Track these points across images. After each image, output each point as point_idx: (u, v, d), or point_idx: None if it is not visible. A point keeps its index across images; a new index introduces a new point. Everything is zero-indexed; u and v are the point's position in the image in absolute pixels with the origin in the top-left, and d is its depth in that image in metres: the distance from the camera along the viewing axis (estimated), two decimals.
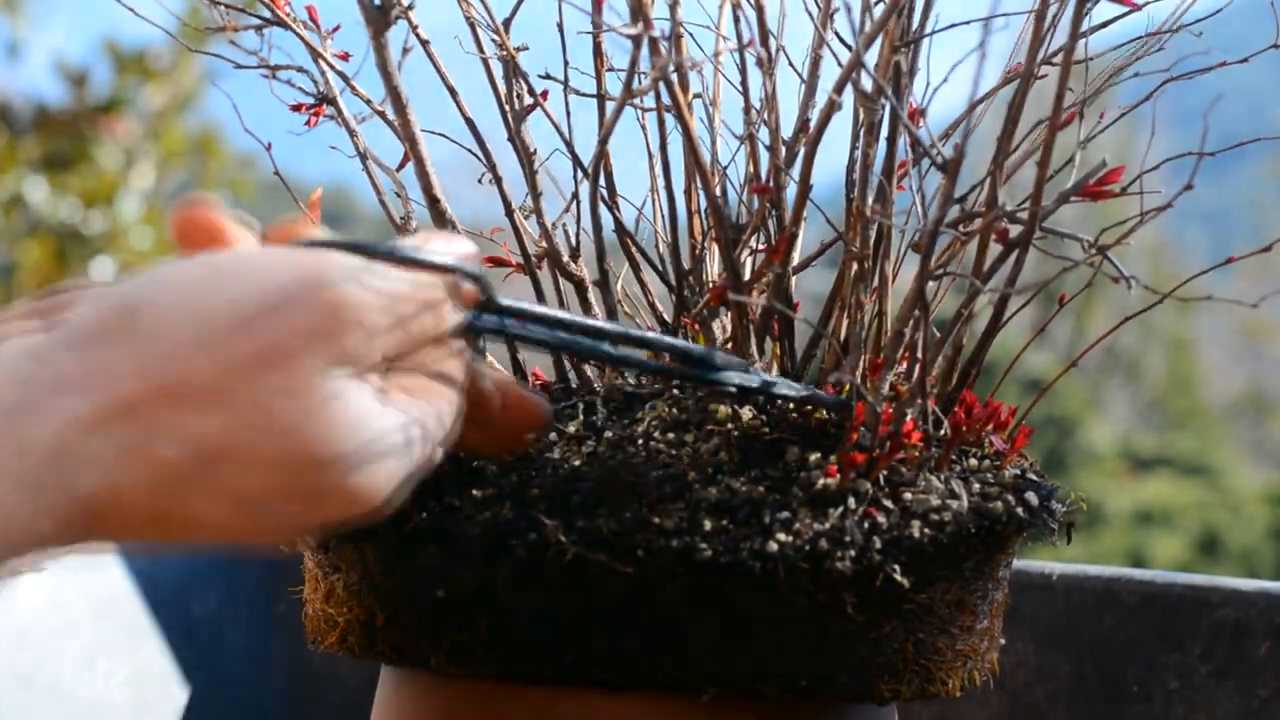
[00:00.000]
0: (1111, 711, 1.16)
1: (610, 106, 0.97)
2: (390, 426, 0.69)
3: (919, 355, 0.87)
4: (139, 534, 0.65)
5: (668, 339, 0.83)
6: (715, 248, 0.97)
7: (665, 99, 0.90)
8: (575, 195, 0.97)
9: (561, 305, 0.98)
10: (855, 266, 0.88)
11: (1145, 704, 1.15)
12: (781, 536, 0.78)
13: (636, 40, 0.79)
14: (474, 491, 0.82)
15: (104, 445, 0.63)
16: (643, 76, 0.82)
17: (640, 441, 0.85)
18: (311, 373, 0.66)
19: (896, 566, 0.79)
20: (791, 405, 0.87)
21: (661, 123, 0.93)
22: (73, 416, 0.62)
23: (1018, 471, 0.87)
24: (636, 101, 0.96)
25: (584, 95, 0.98)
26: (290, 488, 0.66)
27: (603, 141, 0.89)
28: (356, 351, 0.67)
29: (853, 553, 0.79)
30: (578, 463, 0.84)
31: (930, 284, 0.84)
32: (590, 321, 0.80)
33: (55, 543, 0.63)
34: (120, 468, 0.63)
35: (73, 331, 0.65)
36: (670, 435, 0.86)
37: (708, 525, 0.79)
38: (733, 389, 0.83)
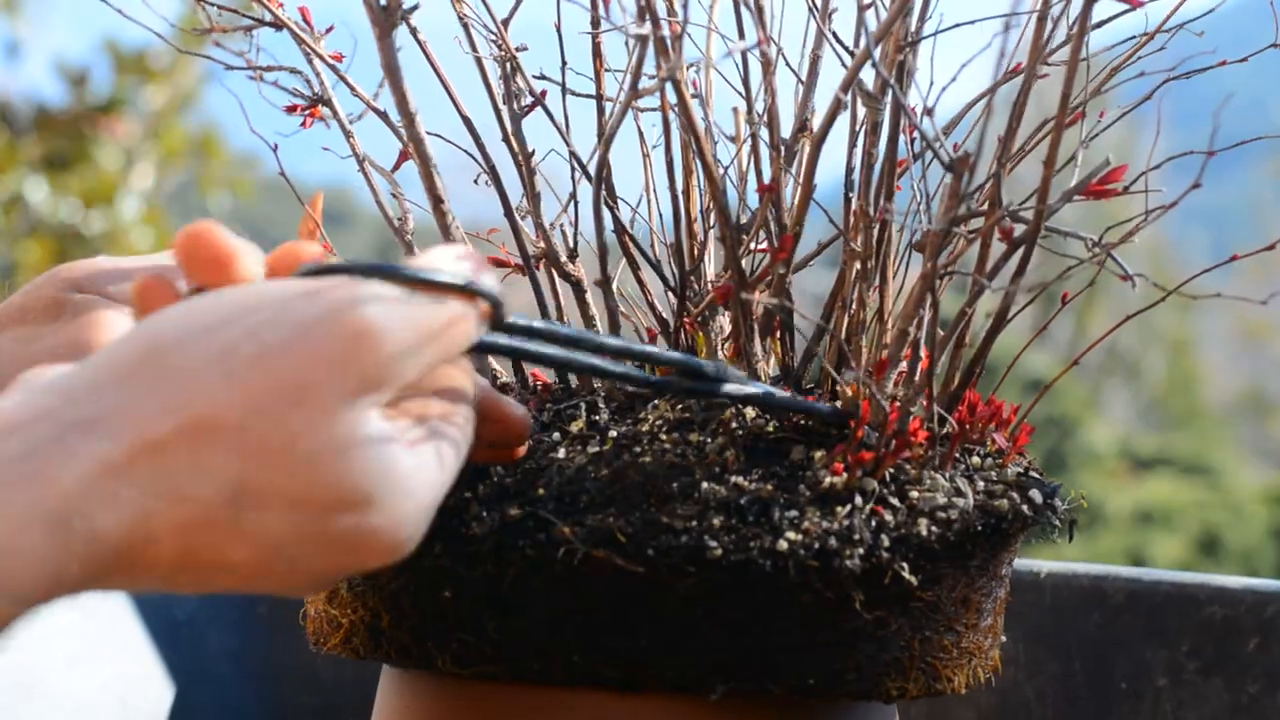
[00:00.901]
0: (1100, 709, 1.16)
1: (609, 107, 0.97)
2: (412, 464, 0.68)
3: (920, 354, 0.87)
4: (165, 578, 0.65)
5: (672, 354, 0.82)
6: (713, 248, 0.97)
7: (670, 99, 0.89)
8: (574, 196, 0.97)
9: (559, 306, 0.98)
10: (857, 265, 0.88)
11: (1134, 701, 1.15)
12: (791, 535, 0.78)
13: (643, 40, 0.78)
14: (481, 491, 0.82)
15: (132, 487, 0.62)
16: (648, 77, 0.82)
17: (646, 441, 0.85)
18: (336, 407, 0.65)
19: (904, 564, 0.80)
20: None
21: (666, 123, 0.93)
22: (101, 458, 0.62)
23: (1020, 469, 0.88)
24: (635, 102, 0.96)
25: (582, 96, 0.97)
26: (316, 532, 0.65)
27: (607, 142, 0.88)
28: (379, 380, 0.66)
29: (861, 551, 0.79)
30: (584, 462, 0.84)
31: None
32: (594, 337, 0.79)
33: (81, 587, 0.62)
34: (151, 509, 0.62)
35: (99, 369, 0.64)
36: (675, 434, 0.86)
37: (717, 523, 0.79)
38: (735, 401, 0.83)
